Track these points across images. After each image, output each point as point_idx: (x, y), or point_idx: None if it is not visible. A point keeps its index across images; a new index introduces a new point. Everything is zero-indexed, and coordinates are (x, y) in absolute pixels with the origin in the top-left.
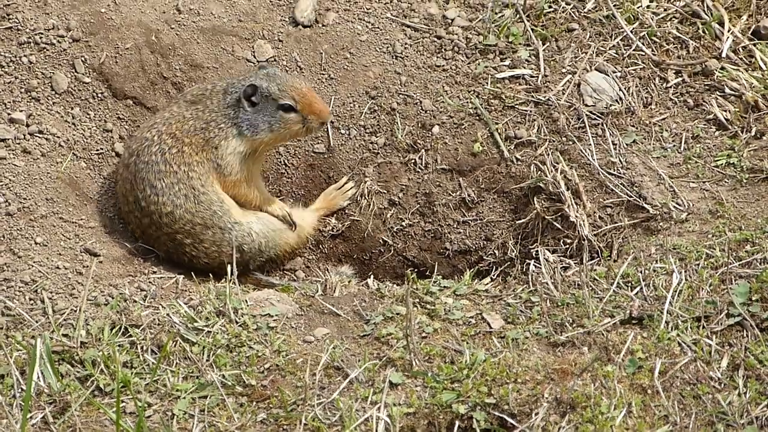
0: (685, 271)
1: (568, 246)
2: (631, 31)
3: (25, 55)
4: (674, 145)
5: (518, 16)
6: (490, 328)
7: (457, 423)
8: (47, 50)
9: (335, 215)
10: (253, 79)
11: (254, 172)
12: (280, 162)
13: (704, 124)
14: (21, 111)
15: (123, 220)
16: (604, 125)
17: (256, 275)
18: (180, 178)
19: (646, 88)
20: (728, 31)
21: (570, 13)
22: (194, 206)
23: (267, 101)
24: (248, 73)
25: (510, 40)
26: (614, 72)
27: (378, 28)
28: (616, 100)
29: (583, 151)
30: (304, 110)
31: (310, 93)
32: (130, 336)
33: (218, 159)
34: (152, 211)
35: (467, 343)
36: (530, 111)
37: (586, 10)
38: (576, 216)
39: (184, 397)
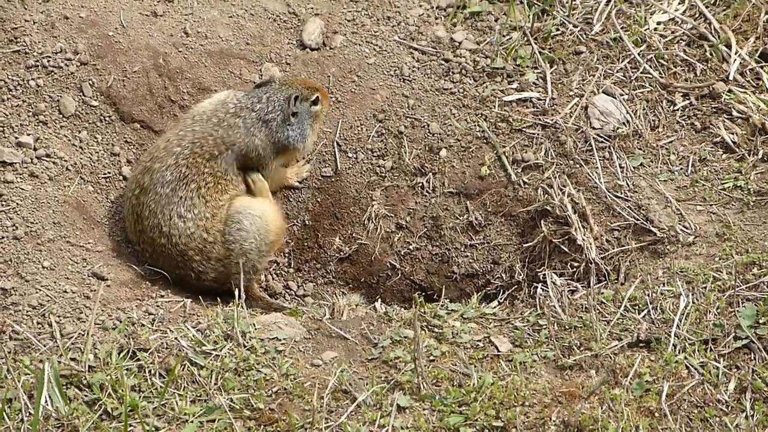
0: (693, 294)
1: (575, 269)
2: (639, 54)
3: (32, 79)
4: (681, 168)
5: (526, 38)
6: (498, 351)
7: None
8: (55, 74)
9: (342, 238)
10: (285, 92)
11: None
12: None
13: (711, 147)
14: (28, 134)
15: (129, 237)
16: (612, 148)
17: (265, 298)
18: (209, 205)
19: (654, 111)
20: (735, 54)
21: (577, 36)
22: (210, 223)
23: (303, 105)
24: (257, 94)
25: (517, 62)
26: (621, 95)
27: (385, 51)
28: (624, 123)
29: (591, 175)
30: (323, 98)
31: (313, 81)
32: (138, 360)
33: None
34: (173, 234)
35: (475, 366)
36: (537, 134)
37: (593, 33)
38: (583, 239)
39: (192, 421)
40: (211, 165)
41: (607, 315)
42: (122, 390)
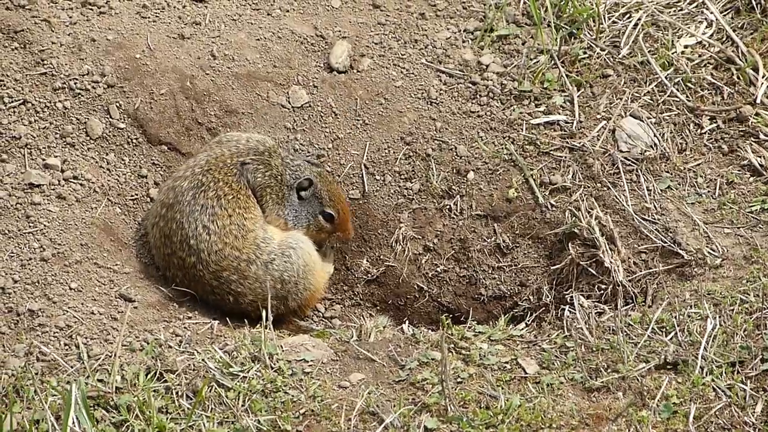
0: (720, 317)
1: (602, 292)
2: (666, 78)
3: (59, 101)
4: (709, 191)
5: (553, 62)
6: (525, 373)
7: None
8: (82, 96)
9: (369, 261)
10: (308, 174)
11: None
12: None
13: (739, 170)
14: (56, 157)
15: (158, 264)
16: (639, 171)
17: (295, 321)
18: (233, 220)
19: (681, 134)
20: (763, 77)
21: (605, 60)
22: (241, 243)
23: (313, 200)
24: (300, 158)
25: (545, 86)
26: (649, 118)
27: (413, 74)
28: (651, 146)
29: (618, 197)
30: (339, 225)
31: (347, 209)
32: (165, 381)
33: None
34: (201, 249)
35: (502, 388)
36: (565, 157)
37: (620, 56)
38: (611, 262)
39: None
40: (225, 175)
41: (634, 337)
42: (149, 411)
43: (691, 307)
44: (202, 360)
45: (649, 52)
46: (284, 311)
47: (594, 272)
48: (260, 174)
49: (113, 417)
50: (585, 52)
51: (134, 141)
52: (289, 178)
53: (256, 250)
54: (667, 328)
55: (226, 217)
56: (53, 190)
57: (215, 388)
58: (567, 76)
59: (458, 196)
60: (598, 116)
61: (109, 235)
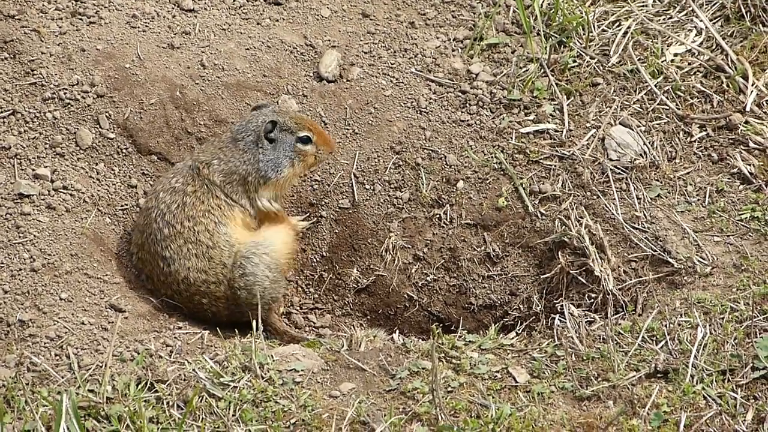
0: (710, 325)
1: (592, 300)
2: (656, 86)
3: (49, 111)
4: (698, 199)
5: (543, 70)
6: (516, 382)
7: None
8: (72, 106)
9: (359, 270)
10: (268, 116)
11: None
12: (307, 218)
13: (728, 178)
14: (45, 167)
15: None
16: (629, 179)
17: (289, 332)
18: (187, 238)
19: (671, 142)
20: (752, 85)
21: (594, 68)
22: (206, 264)
23: (285, 136)
24: (244, 118)
25: (534, 94)
26: (638, 126)
27: (402, 83)
28: (641, 155)
29: (608, 206)
30: (318, 141)
31: (317, 124)
32: (156, 391)
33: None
34: (171, 282)
35: (493, 397)
36: (555, 165)
37: (610, 64)
38: (600, 270)
39: None
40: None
41: (624, 346)
42: (140, 422)
43: (681, 315)
44: (193, 370)
45: (638, 60)
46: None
47: (584, 281)
48: (218, 163)
49: (104, 427)
50: (574, 61)
51: (124, 151)
52: (247, 136)
53: (224, 269)
54: (658, 336)
55: (182, 235)
56: (43, 200)
57: (206, 398)
58: (556, 84)
59: (448, 205)
60: (588, 125)
61: (99, 245)
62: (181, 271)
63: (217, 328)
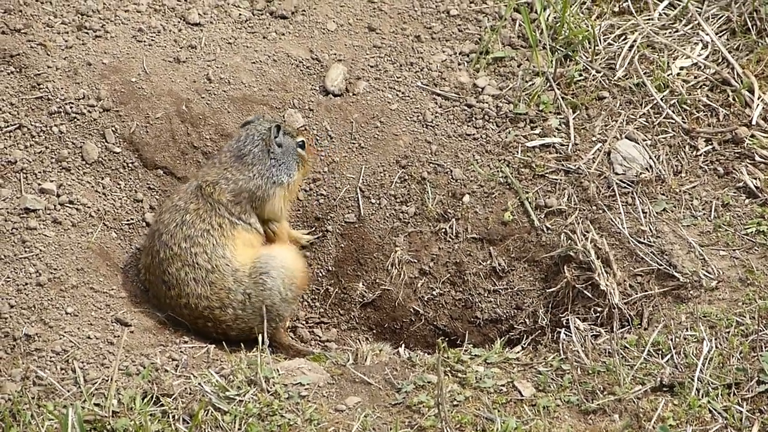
0: (716, 339)
1: (598, 314)
2: (662, 99)
3: (55, 125)
4: (704, 213)
5: (549, 84)
6: (521, 396)
7: None
8: (78, 120)
9: (365, 284)
10: (268, 124)
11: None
12: (312, 232)
13: (734, 192)
14: (51, 181)
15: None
16: (635, 194)
17: (295, 346)
18: (184, 261)
19: (676, 156)
20: (758, 99)
21: (600, 81)
22: (207, 289)
23: (288, 139)
24: (240, 135)
25: (540, 108)
26: (644, 140)
27: (408, 96)
28: (647, 169)
29: (614, 220)
30: (309, 148)
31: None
32: (162, 405)
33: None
34: (174, 305)
35: (498, 411)
36: (560, 180)
37: (616, 78)
38: (606, 284)
39: None
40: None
41: (630, 360)
42: None
43: (687, 329)
44: (199, 384)
45: (644, 74)
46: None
47: (590, 295)
48: (226, 183)
49: None
50: (580, 74)
51: (130, 165)
52: (253, 149)
53: (229, 294)
54: (663, 350)
55: (186, 261)
56: (49, 214)
57: (212, 412)
58: (562, 98)
59: (454, 219)
60: (594, 138)
61: (105, 259)
62: (182, 296)
63: (223, 343)
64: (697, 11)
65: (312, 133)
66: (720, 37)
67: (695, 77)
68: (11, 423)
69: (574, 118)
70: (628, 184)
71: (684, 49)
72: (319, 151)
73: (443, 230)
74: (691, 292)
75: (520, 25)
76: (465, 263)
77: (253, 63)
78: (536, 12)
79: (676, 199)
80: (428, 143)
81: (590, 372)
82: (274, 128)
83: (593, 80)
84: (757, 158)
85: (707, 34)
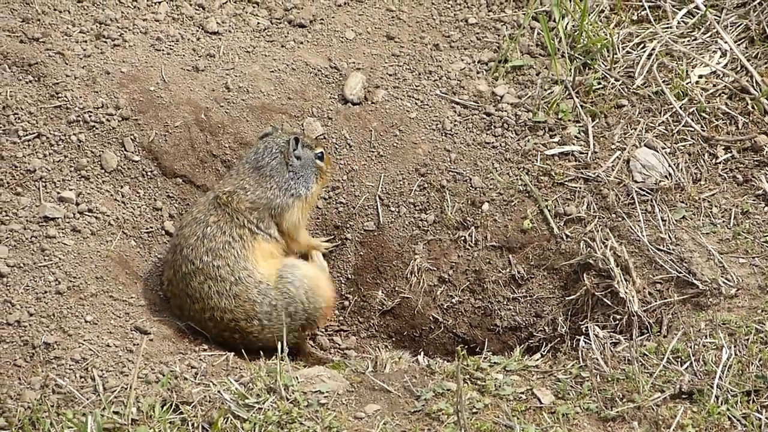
0: (735, 346)
1: (617, 322)
2: (680, 107)
3: (74, 134)
4: (723, 221)
5: (567, 92)
6: (541, 403)
7: None
8: (96, 129)
9: (385, 292)
10: (287, 136)
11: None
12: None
13: (753, 200)
14: (71, 190)
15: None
16: (654, 201)
17: (316, 354)
18: (207, 274)
19: (696, 164)
20: None
21: (619, 90)
22: (231, 302)
23: (307, 152)
24: (257, 146)
25: (559, 116)
26: (663, 148)
27: (427, 105)
28: (666, 176)
29: (633, 228)
30: (327, 159)
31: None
32: (181, 413)
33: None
34: (199, 319)
35: (518, 418)
36: (580, 187)
37: (635, 86)
38: (626, 292)
39: None
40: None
41: (649, 367)
42: None
43: (706, 336)
44: (218, 391)
45: (663, 82)
46: (302, 338)
47: (609, 302)
48: (243, 192)
49: None
50: (599, 83)
51: (149, 174)
52: (270, 161)
53: (254, 307)
54: (683, 357)
55: (206, 274)
56: (68, 223)
57: (231, 420)
58: (581, 106)
59: (473, 227)
60: (613, 146)
61: (124, 267)
62: (206, 310)
63: (243, 350)
64: (715, 19)
65: (331, 142)
66: (738, 45)
67: (714, 85)
68: (31, 431)
69: (593, 126)
70: (647, 192)
71: (703, 57)
72: (336, 162)
73: (462, 238)
74: (710, 299)
75: (538, 33)
76: (484, 271)
77: (272, 71)
78: (555, 20)
79: (696, 207)
80: (447, 151)
81: (609, 379)
82: (293, 141)
83: (612, 88)
84: None
85: (726, 43)
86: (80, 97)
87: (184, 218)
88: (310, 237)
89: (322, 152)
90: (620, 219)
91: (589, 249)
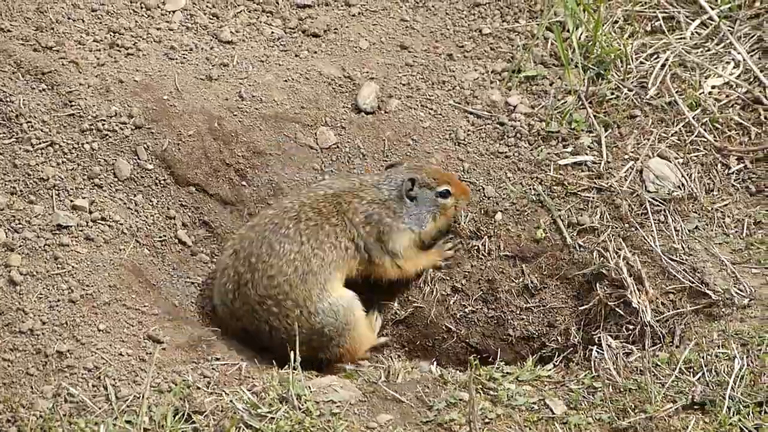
0: (747, 357)
1: (630, 332)
2: (693, 118)
3: (87, 142)
4: (736, 231)
5: (581, 102)
6: (553, 413)
7: None
8: (110, 137)
9: (398, 301)
10: (406, 174)
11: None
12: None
13: (766, 210)
14: (84, 198)
15: (216, 273)
16: (667, 211)
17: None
18: (301, 251)
19: (708, 175)
20: None
21: (632, 100)
22: (298, 281)
23: (424, 192)
24: (383, 173)
25: (572, 126)
26: (676, 158)
27: (440, 114)
28: (679, 187)
29: (646, 238)
30: (456, 192)
31: (452, 175)
32: (194, 422)
33: (391, 249)
34: (258, 268)
35: (530, 428)
36: (593, 197)
37: (648, 96)
38: (638, 302)
39: None
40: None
41: (661, 377)
42: None
43: (718, 347)
44: (231, 401)
45: (676, 92)
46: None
47: (622, 312)
48: (361, 206)
49: None
50: (612, 93)
51: (162, 182)
52: (387, 193)
53: (307, 299)
54: (695, 368)
55: (297, 244)
56: (81, 231)
57: (243, 429)
58: (594, 116)
59: (486, 236)
60: (626, 156)
61: (138, 276)
62: (274, 267)
63: (255, 359)
64: (728, 30)
65: (344, 151)
66: (751, 56)
67: (727, 96)
68: None
69: (606, 137)
70: (660, 202)
71: (716, 68)
72: (469, 194)
73: (476, 248)
74: (723, 309)
75: (552, 43)
76: (497, 281)
77: (285, 81)
78: (569, 31)
79: (708, 217)
80: (460, 161)
81: (622, 390)
82: (408, 182)
83: (625, 99)
84: None
85: (739, 53)
86: (93, 105)
87: (272, 237)
88: (419, 260)
89: (447, 190)
90: (633, 229)
91: (602, 259)
